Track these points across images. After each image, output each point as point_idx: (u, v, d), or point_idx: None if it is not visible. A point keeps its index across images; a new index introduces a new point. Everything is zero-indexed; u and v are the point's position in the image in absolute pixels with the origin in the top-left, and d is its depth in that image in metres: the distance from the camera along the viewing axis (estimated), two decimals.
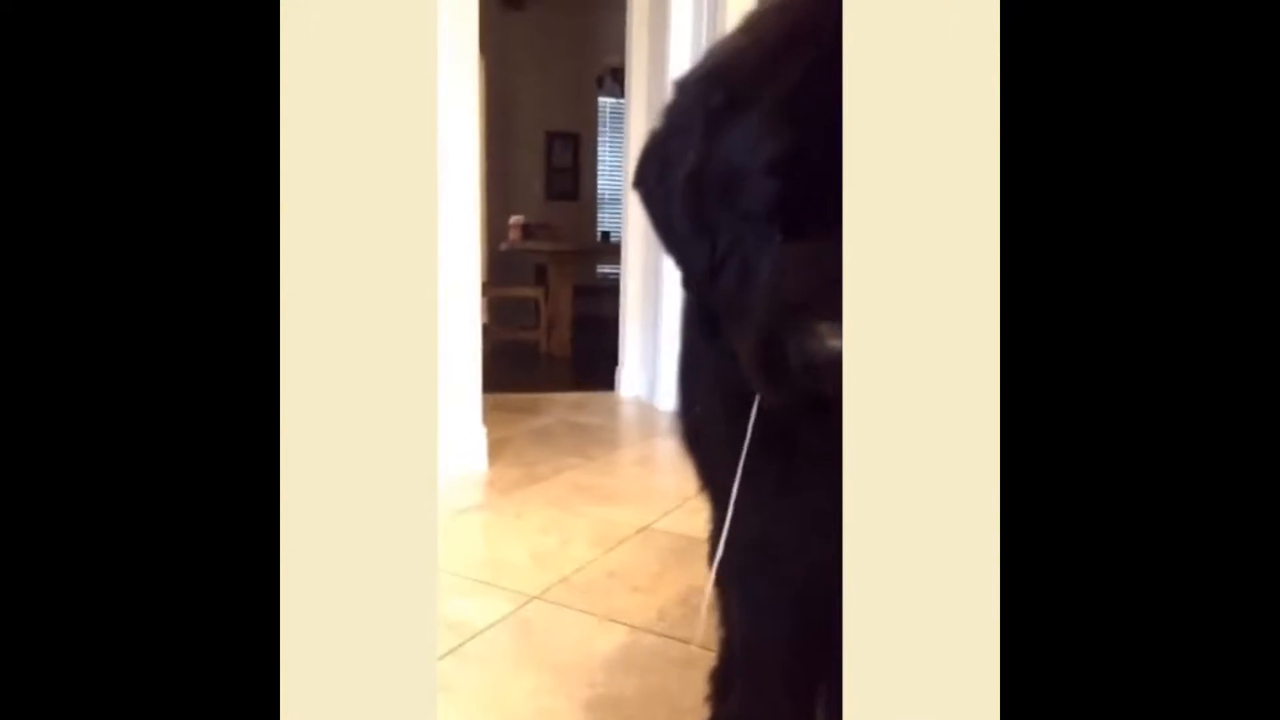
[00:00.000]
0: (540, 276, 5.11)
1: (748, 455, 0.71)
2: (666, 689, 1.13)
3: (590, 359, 4.18)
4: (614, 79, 5.81)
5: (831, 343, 0.52)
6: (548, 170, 6.24)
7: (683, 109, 0.66)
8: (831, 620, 0.91)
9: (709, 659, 1.10)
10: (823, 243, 0.54)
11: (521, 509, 1.94)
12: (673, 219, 0.67)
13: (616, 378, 3.50)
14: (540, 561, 1.61)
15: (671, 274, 3.10)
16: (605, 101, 6.25)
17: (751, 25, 0.64)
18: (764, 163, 0.57)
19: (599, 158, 6.40)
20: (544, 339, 4.76)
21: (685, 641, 1.28)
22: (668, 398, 3.20)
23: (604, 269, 5.79)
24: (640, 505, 1.99)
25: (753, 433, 0.69)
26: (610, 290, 4.00)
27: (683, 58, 2.91)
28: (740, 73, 0.60)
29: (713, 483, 0.91)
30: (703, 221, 0.64)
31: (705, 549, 1.06)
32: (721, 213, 0.62)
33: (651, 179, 0.69)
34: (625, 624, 1.35)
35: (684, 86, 0.66)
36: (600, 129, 6.35)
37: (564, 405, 3.25)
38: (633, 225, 3.46)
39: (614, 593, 1.47)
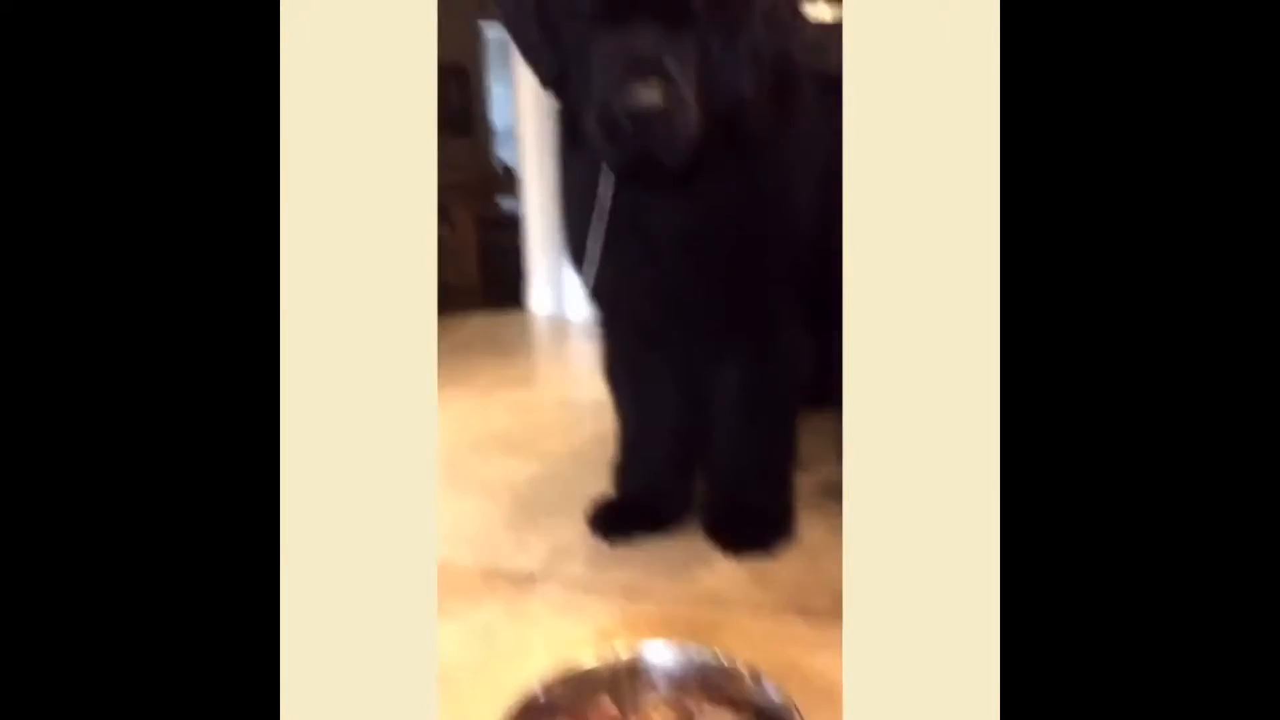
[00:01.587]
0: (444, 216, 5.17)
1: (605, 235, 0.94)
2: (580, 490, 1.35)
3: (497, 287, 4.32)
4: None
5: (645, 93, 0.75)
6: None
7: None
8: (698, 404, 1.15)
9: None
10: (634, 27, 0.77)
11: (442, 396, 2.12)
12: (529, 34, 0.89)
13: (525, 295, 3.67)
14: (459, 425, 1.80)
15: None
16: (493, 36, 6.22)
17: None
18: None
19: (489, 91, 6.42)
20: (451, 272, 4.85)
21: (594, 464, 1.51)
22: (579, 309, 3.40)
23: (506, 203, 5.87)
24: (553, 386, 2.21)
25: (610, 211, 0.92)
26: (514, 225, 4.11)
27: None
28: None
29: (594, 290, 1.14)
30: (553, 33, 0.86)
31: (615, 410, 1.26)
32: (564, 23, 0.84)
33: (512, 7, 0.91)
34: (546, 457, 1.58)
35: None
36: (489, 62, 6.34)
37: (476, 322, 3.41)
38: (528, 155, 3.59)
39: (535, 441, 1.69)
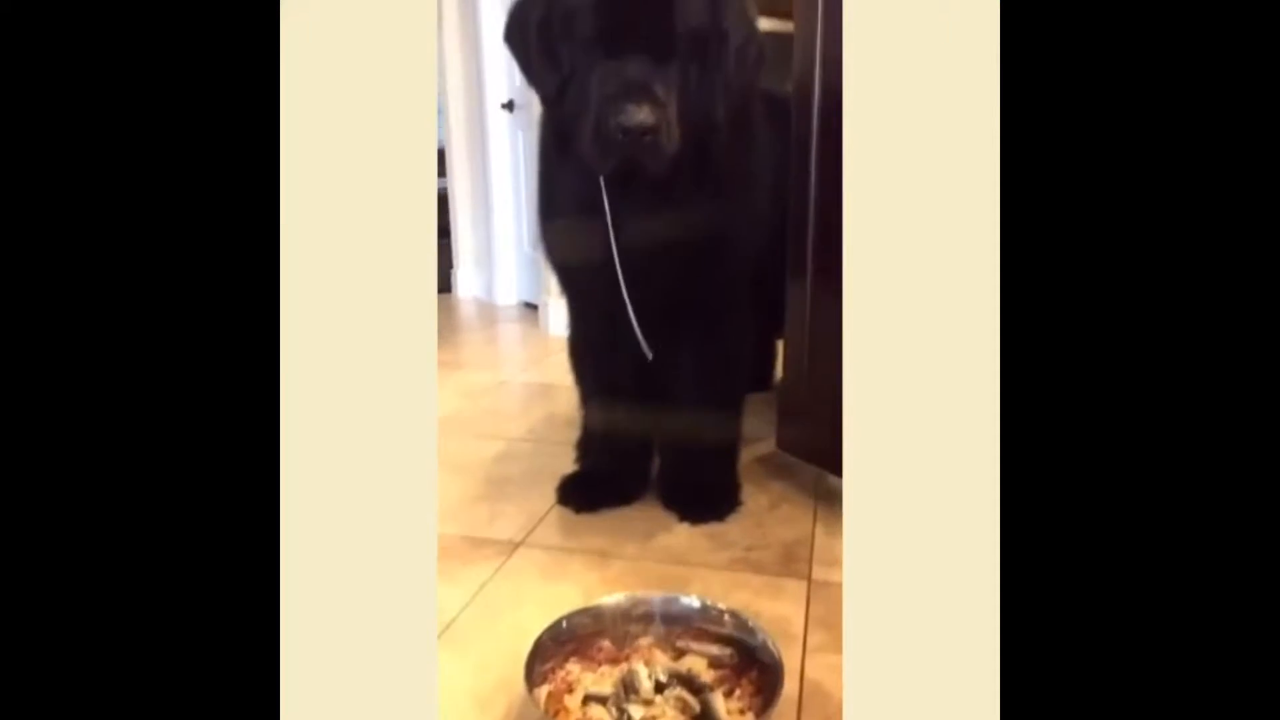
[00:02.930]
0: None
1: (586, 232, 1.07)
2: (543, 467, 1.48)
3: None
4: None
5: (637, 113, 0.90)
6: None
7: None
8: (656, 387, 1.29)
9: (570, 450, 1.45)
10: (628, 57, 0.94)
11: None
12: (531, 57, 1.03)
13: (452, 279, 3.69)
14: None
15: (499, 179, 3.31)
16: None
17: None
18: (589, 2, 0.95)
19: None
20: None
21: (550, 443, 1.63)
22: (506, 293, 3.46)
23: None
24: (493, 369, 2.30)
25: (593, 212, 1.05)
26: (441, 204, 4.11)
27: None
28: None
29: (569, 282, 1.25)
30: (553, 56, 1.01)
31: (557, 391, 1.36)
32: (564, 46, 0.99)
33: (516, 33, 1.05)
34: (504, 438, 1.68)
35: None
36: None
37: None
38: (455, 135, 3.60)
39: (489, 422, 1.79)
